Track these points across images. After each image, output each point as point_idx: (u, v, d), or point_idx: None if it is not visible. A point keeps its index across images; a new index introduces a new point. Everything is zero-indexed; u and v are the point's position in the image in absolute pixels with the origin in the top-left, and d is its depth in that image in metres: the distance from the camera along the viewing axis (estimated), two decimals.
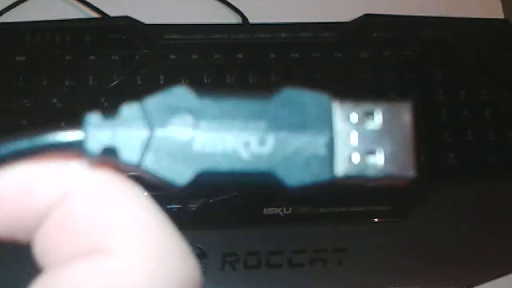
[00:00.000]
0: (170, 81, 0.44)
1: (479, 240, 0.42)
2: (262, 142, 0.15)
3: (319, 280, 0.41)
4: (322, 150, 0.15)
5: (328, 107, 0.16)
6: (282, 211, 0.42)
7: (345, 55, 0.46)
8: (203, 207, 0.41)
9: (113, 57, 0.44)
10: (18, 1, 0.50)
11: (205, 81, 0.44)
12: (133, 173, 0.15)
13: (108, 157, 0.15)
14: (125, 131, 0.15)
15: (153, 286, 0.14)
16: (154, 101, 0.15)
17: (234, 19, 0.52)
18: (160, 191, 0.15)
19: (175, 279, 0.15)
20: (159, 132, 0.15)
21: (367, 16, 0.48)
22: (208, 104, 0.15)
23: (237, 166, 0.15)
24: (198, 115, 0.15)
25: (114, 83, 0.43)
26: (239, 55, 0.45)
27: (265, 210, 0.42)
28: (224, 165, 0.15)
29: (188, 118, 0.15)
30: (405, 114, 0.16)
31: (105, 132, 0.15)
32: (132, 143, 0.15)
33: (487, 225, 0.43)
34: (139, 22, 0.46)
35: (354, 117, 0.15)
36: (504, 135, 0.45)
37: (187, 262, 0.15)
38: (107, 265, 0.14)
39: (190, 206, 0.41)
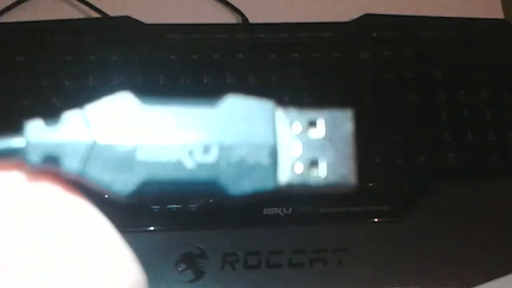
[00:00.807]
0: (170, 81, 0.44)
1: (479, 240, 0.42)
2: (206, 150, 0.15)
3: (319, 280, 0.41)
4: (265, 159, 0.15)
5: (272, 115, 0.15)
6: (282, 211, 0.42)
7: (345, 55, 0.46)
8: (203, 207, 0.41)
9: (113, 57, 0.44)
10: (18, 1, 0.50)
11: (205, 81, 0.44)
12: (75, 181, 0.15)
13: (50, 166, 0.15)
14: (67, 139, 0.15)
15: None
16: (97, 109, 0.15)
17: (234, 19, 0.52)
18: (102, 200, 0.15)
19: None
20: (102, 140, 0.15)
21: (367, 16, 0.48)
22: (151, 112, 0.15)
23: (181, 175, 0.15)
24: (141, 123, 0.15)
25: (114, 83, 0.43)
26: (239, 55, 0.45)
27: (265, 210, 0.42)
28: (168, 174, 0.15)
29: (131, 126, 0.15)
30: (346, 122, 0.16)
31: (46, 140, 0.15)
32: (74, 151, 0.15)
33: (487, 225, 0.43)
34: (139, 22, 0.46)
35: (297, 126, 0.15)
36: (504, 135, 0.45)
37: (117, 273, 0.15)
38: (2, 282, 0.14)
39: (190, 206, 0.41)
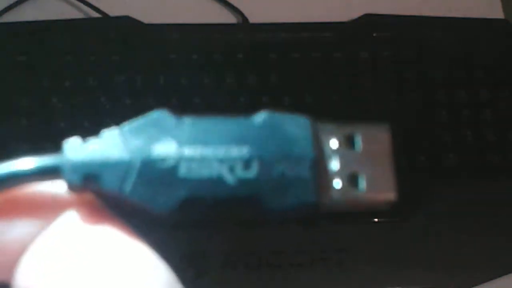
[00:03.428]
0: (170, 81, 0.44)
1: (479, 240, 0.42)
2: (247, 166, 0.15)
3: (319, 280, 0.41)
4: (305, 174, 0.15)
5: (309, 130, 0.15)
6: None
7: (345, 55, 0.46)
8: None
9: (113, 57, 0.44)
10: (18, 1, 0.50)
11: (205, 81, 0.44)
12: (117, 200, 0.15)
13: (90, 184, 0.15)
14: (107, 157, 0.15)
15: None
16: (135, 126, 0.15)
17: (234, 19, 0.52)
18: (144, 217, 0.15)
19: None
20: (142, 158, 0.15)
21: (367, 16, 0.48)
22: (190, 128, 0.15)
23: (223, 191, 0.15)
24: (180, 140, 0.15)
25: (114, 83, 0.43)
26: (239, 55, 0.45)
27: None
28: (209, 191, 0.15)
29: (171, 143, 0.15)
30: (384, 137, 0.16)
31: (86, 158, 0.15)
32: (114, 169, 0.15)
33: (487, 225, 0.43)
34: (139, 22, 0.46)
35: (335, 141, 0.15)
36: (504, 135, 0.45)
37: None
38: None
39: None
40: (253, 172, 0.15)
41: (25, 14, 0.50)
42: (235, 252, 0.41)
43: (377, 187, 0.15)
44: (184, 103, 0.43)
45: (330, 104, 0.45)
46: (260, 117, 0.16)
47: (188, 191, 0.15)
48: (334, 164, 0.15)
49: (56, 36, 0.44)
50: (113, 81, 0.43)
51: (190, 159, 0.15)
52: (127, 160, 0.15)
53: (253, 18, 0.51)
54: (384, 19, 0.48)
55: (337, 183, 0.15)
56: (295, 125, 0.15)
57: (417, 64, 0.46)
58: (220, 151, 0.15)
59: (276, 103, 0.44)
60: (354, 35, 0.47)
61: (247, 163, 0.15)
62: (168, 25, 0.47)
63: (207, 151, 0.15)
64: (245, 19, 0.51)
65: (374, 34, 0.47)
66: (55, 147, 0.15)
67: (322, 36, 0.47)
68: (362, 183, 0.15)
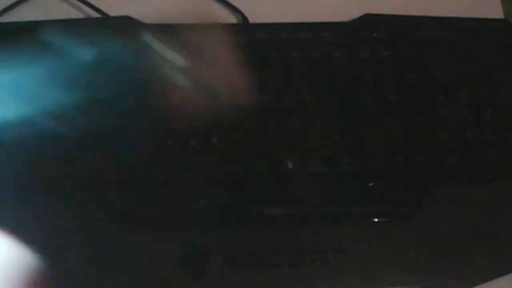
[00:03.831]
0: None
1: (479, 240, 0.42)
2: None
3: (319, 280, 0.41)
4: None
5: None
6: (282, 211, 0.42)
7: (345, 55, 0.46)
8: (203, 207, 0.41)
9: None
10: (18, 1, 0.50)
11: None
12: None
13: None
14: None
15: None
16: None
17: (234, 19, 0.52)
18: None
19: None
20: None
21: (367, 16, 0.48)
22: None
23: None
24: None
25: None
26: (239, 55, 0.45)
27: (265, 210, 0.42)
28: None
29: None
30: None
31: None
32: None
33: (487, 225, 0.43)
34: (139, 22, 0.46)
35: None
36: (504, 135, 0.45)
37: None
38: None
39: (190, 206, 0.41)
40: None
41: (25, 14, 0.50)
42: (235, 252, 0.41)
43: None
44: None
45: (330, 104, 0.45)
46: None
47: None
48: None
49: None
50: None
51: None
52: None
53: (253, 18, 0.51)
54: (384, 19, 0.48)
55: None
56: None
57: (417, 64, 0.46)
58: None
59: (276, 103, 0.44)
60: (354, 35, 0.47)
61: None
62: (168, 25, 0.47)
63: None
64: (245, 19, 0.51)
65: (374, 34, 0.47)
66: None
67: (322, 36, 0.47)
68: None
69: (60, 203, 0.36)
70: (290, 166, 0.43)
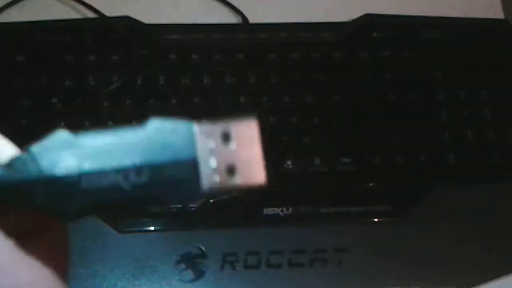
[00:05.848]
0: (170, 81, 0.44)
1: (479, 240, 0.42)
2: (138, 173, 0.17)
3: (319, 280, 0.41)
4: (189, 173, 0.17)
5: (192, 136, 0.18)
6: (282, 211, 0.42)
7: (345, 55, 0.46)
8: (203, 207, 0.41)
9: (113, 57, 0.44)
10: (18, 1, 0.50)
11: (205, 81, 0.44)
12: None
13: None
14: (17, 181, 0.17)
15: None
16: (40, 149, 0.17)
17: (234, 19, 0.52)
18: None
19: None
20: (48, 176, 0.17)
21: (367, 16, 0.48)
22: (87, 143, 0.17)
23: (120, 196, 0.17)
24: (80, 156, 0.17)
25: (114, 83, 0.43)
26: (239, 55, 0.45)
27: (265, 210, 0.42)
28: (109, 197, 0.17)
29: (72, 160, 0.17)
30: (253, 129, 0.18)
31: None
32: (23, 189, 0.17)
33: (487, 225, 0.43)
34: (139, 22, 0.46)
35: (213, 140, 0.18)
36: (504, 135, 0.45)
37: None
38: None
39: (190, 206, 0.41)
40: (144, 177, 0.17)
41: (25, 14, 0.50)
42: (235, 252, 0.41)
43: (249, 174, 0.18)
44: (184, 103, 0.43)
45: (330, 104, 0.45)
46: (148, 126, 0.17)
47: (91, 200, 0.17)
48: (213, 162, 0.18)
49: (56, 36, 0.44)
50: (113, 81, 0.43)
51: (90, 172, 0.17)
52: (35, 179, 0.17)
53: (253, 18, 0.51)
54: (384, 19, 0.48)
55: (216, 177, 0.17)
56: (179, 132, 0.18)
57: (417, 64, 0.46)
58: (114, 162, 0.17)
59: (276, 103, 0.44)
60: (354, 35, 0.47)
61: (138, 170, 0.17)
62: (168, 25, 0.47)
63: (103, 163, 0.17)
64: (245, 19, 0.51)
65: (374, 34, 0.47)
66: None
67: (322, 36, 0.47)
68: (237, 173, 0.18)
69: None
70: (290, 166, 0.43)
